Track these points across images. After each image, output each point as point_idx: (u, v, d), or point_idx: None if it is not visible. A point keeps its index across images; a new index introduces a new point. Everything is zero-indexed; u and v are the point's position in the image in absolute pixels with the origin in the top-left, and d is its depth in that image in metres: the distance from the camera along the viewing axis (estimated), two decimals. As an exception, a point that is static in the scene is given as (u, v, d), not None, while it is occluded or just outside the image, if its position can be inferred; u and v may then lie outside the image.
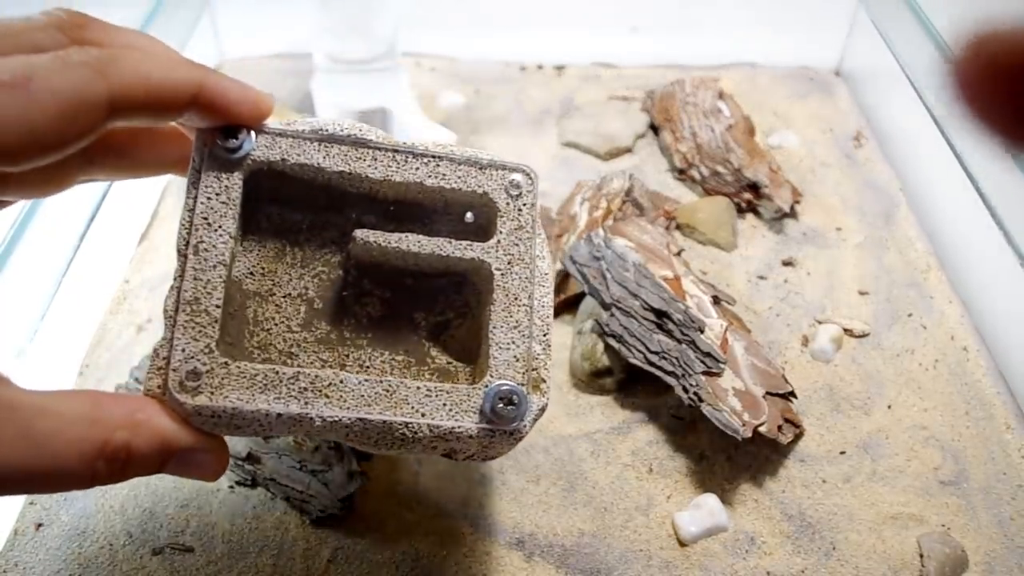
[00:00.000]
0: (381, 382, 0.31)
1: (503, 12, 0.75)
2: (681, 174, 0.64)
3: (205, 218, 0.31)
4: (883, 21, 0.67)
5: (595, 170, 0.64)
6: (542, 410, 0.32)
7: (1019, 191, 0.48)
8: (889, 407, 0.49)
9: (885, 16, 0.67)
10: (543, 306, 0.33)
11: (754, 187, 0.61)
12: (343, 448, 0.44)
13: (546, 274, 0.34)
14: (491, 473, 0.45)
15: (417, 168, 0.33)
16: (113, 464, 0.26)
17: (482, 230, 0.35)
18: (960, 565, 0.41)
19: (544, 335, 0.33)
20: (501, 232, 0.34)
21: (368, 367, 0.34)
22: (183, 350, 0.29)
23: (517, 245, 0.34)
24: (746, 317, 0.53)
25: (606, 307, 0.49)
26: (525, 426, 0.31)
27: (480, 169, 0.34)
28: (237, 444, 0.43)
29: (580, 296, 0.53)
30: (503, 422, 0.31)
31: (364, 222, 0.35)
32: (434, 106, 0.70)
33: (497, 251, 0.33)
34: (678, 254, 0.53)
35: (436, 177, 0.34)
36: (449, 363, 0.35)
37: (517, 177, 0.34)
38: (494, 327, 0.32)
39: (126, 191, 0.55)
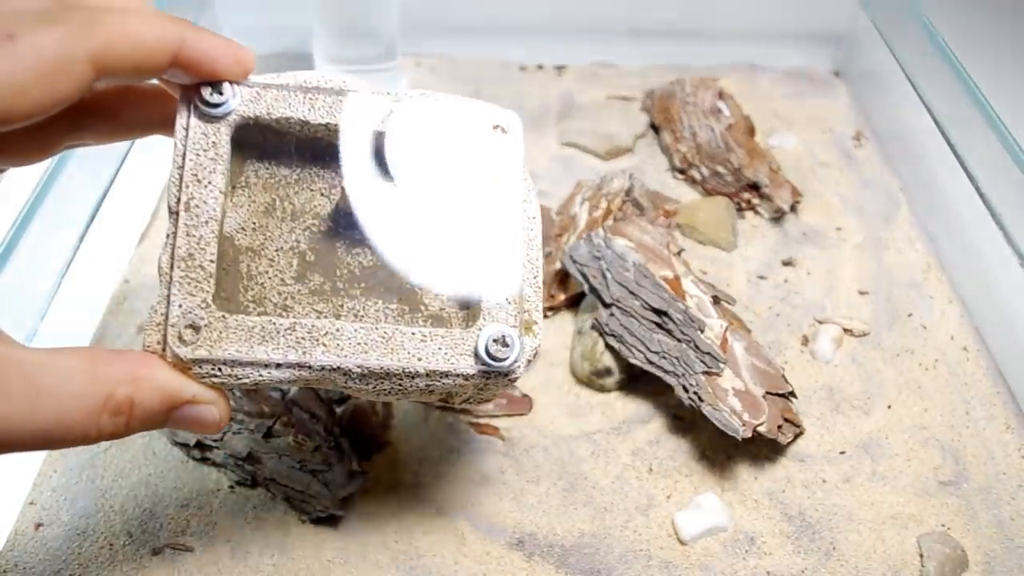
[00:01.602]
0: (377, 329, 0.32)
1: (503, 12, 0.75)
2: (681, 174, 0.64)
3: (195, 175, 0.31)
4: (883, 21, 0.67)
5: (595, 170, 0.64)
6: (535, 352, 0.33)
7: (1019, 191, 0.48)
8: (889, 407, 0.49)
9: (885, 16, 0.67)
10: (532, 250, 0.34)
11: (754, 187, 0.61)
12: (343, 448, 0.44)
13: (534, 217, 0.35)
14: (491, 473, 0.45)
15: None
16: (117, 418, 0.27)
17: None
18: (960, 565, 0.41)
19: (535, 278, 0.34)
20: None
21: (363, 316, 0.34)
22: (180, 305, 0.30)
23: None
24: (746, 317, 0.53)
25: (606, 307, 0.49)
26: (519, 367, 0.32)
27: (464, 114, 0.35)
28: (237, 444, 0.43)
29: (580, 296, 0.53)
30: (498, 364, 0.32)
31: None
32: (434, 106, 0.69)
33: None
34: (678, 254, 0.53)
35: None
36: (442, 309, 0.35)
37: (501, 120, 0.35)
38: None
39: (126, 191, 0.55)
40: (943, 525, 0.43)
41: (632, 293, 0.48)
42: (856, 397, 0.49)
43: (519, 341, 0.32)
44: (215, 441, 0.44)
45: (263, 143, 0.34)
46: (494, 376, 0.32)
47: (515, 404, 0.48)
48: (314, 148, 0.35)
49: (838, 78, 0.75)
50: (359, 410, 0.47)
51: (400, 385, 0.32)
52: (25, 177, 0.60)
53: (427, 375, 0.32)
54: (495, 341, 0.32)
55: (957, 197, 0.55)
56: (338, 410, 0.46)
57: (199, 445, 0.44)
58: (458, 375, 0.32)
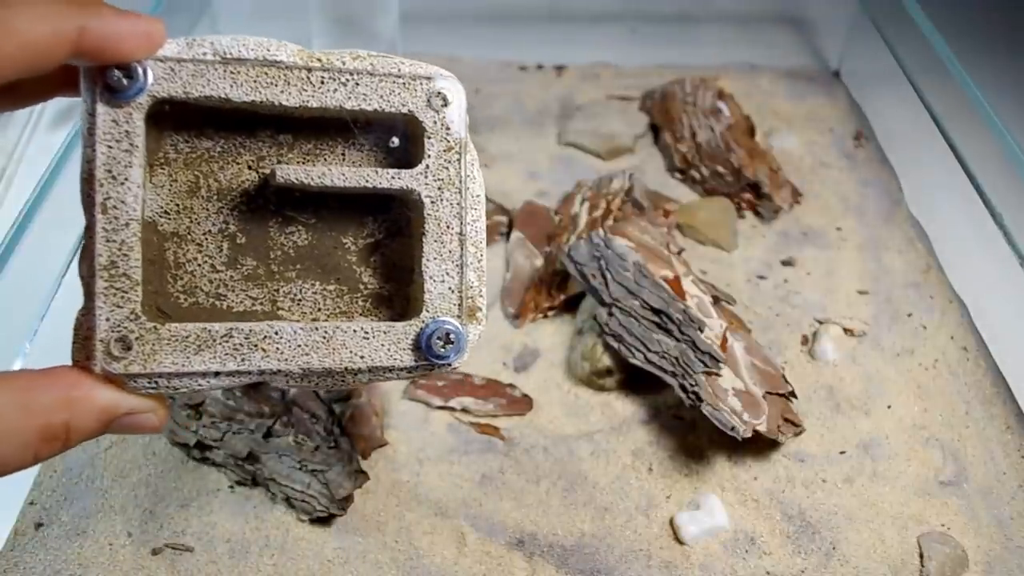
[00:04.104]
0: (317, 329, 0.31)
1: (503, 12, 0.75)
2: (681, 174, 0.64)
3: (109, 170, 0.29)
4: (883, 21, 0.67)
5: (595, 170, 0.64)
6: (479, 336, 0.33)
7: (1019, 191, 0.48)
8: (889, 407, 0.49)
9: (885, 16, 0.67)
10: (476, 231, 0.33)
11: (754, 187, 0.61)
12: (343, 448, 0.44)
13: (478, 196, 0.33)
14: (491, 473, 0.45)
15: (335, 90, 0.31)
16: (54, 444, 0.26)
17: (409, 151, 0.34)
18: (960, 565, 0.41)
19: (479, 262, 0.32)
20: (429, 156, 0.32)
21: (300, 300, 0.33)
22: (107, 319, 0.28)
23: (447, 168, 0.32)
24: (746, 317, 0.53)
25: (606, 307, 0.49)
26: (463, 357, 0.32)
27: (403, 85, 0.32)
28: (237, 444, 0.43)
29: (580, 296, 0.53)
30: (442, 359, 0.31)
31: (280, 141, 0.33)
32: (434, 106, 0.70)
33: (426, 177, 0.32)
34: (678, 254, 0.53)
35: (356, 99, 0.32)
36: (382, 287, 0.34)
37: (442, 87, 0.32)
38: (427, 260, 0.32)
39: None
40: (943, 525, 0.43)
41: (632, 293, 0.48)
42: (856, 397, 0.49)
43: (463, 336, 0.31)
44: (215, 441, 0.44)
45: (181, 116, 0.31)
46: (438, 368, 0.32)
47: (515, 404, 0.48)
48: (237, 118, 0.32)
49: (838, 78, 0.75)
50: (359, 410, 0.47)
51: (342, 380, 0.31)
52: (25, 177, 0.60)
53: (369, 371, 0.31)
54: (439, 338, 0.31)
55: (957, 197, 0.55)
56: (338, 410, 0.46)
57: (199, 445, 0.44)
58: (401, 369, 0.32)
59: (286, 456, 0.43)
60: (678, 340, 0.46)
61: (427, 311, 0.32)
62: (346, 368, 0.31)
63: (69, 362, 0.29)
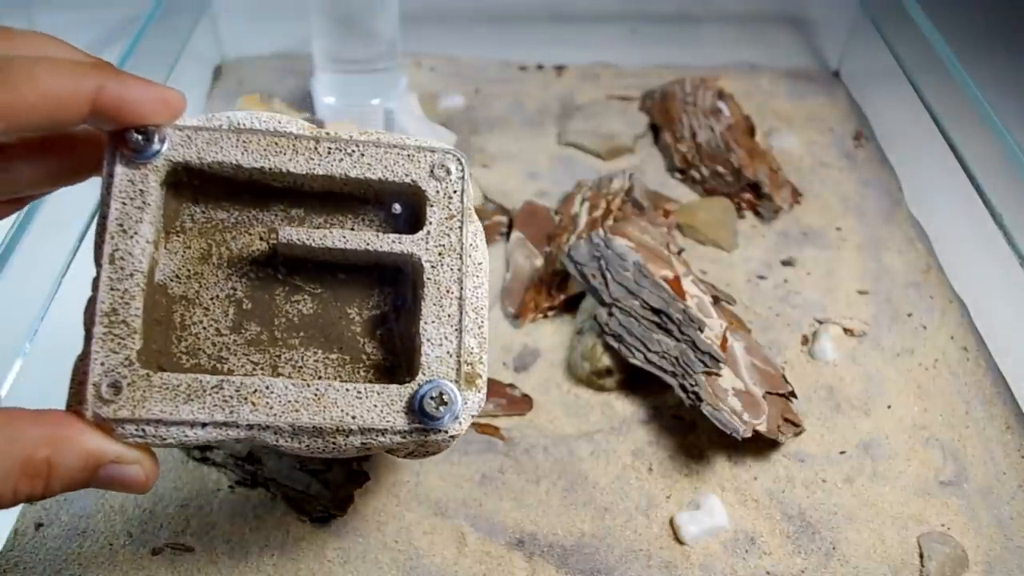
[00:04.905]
0: (309, 386, 0.31)
1: (503, 12, 0.75)
2: (681, 174, 0.64)
3: (120, 224, 0.30)
4: (883, 21, 0.67)
5: (595, 170, 0.64)
6: (480, 406, 0.32)
7: (1019, 191, 0.48)
8: (889, 407, 0.49)
9: (885, 16, 0.67)
10: (477, 298, 0.33)
11: (754, 187, 0.61)
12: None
13: (480, 264, 0.33)
14: (491, 473, 0.45)
15: (341, 159, 0.33)
16: (35, 480, 0.26)
17: (414, 219, 0.35)
18: (960, 565, 0.41)
19: (479, 328, 0.32)
20: (431, 222, 0.33)
21: (301, 367, 0.33)
22: (102, 363, 0.29)
23: (448, 235, 0.33)
24: (746, 317, 0.53)
25: (606, 307, 0.49)
26: (460, 423, 0.31)
27: (408, 156, 0.33)
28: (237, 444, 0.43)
29: (580, 296, 0.53)
30: (435, 422, 0.31)
31: (292, 215, 0.34)
32: (434, 106, 0.70)
33: (427, 243, 0.33)
34: (678, 254, 0.53)
35: (361, 167, 0.33)
36: (386, 359, 0.34)
37: (445, 162, 0.34)
38: (425, 323, 0.32)
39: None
40: (943, 525, 0.43)
41: (632, 293, 0.48)
42: (856, 397, 0.49)
43: (459, 397, 0.31)
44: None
45: (197, 186, 0.33)
46: (433, 433, 0.31)
47: (515, 404, 0.48)
48: (251, 191, 0.34)
49: (838, 78, 0.75)
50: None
51: (334, 443, 0.31)
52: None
53: (361, 433, 0.31)
54: (432, 398, 0.31)
55: (957, 197, 0.55)
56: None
57: (199, 445, 0.44)
58: (394, 433, 0.31)
59: (286, 456, 0.43)
60: (678, 340, 0.46)
61: (423, 374, 0.31)
62: (337, 428, 0.30)
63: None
